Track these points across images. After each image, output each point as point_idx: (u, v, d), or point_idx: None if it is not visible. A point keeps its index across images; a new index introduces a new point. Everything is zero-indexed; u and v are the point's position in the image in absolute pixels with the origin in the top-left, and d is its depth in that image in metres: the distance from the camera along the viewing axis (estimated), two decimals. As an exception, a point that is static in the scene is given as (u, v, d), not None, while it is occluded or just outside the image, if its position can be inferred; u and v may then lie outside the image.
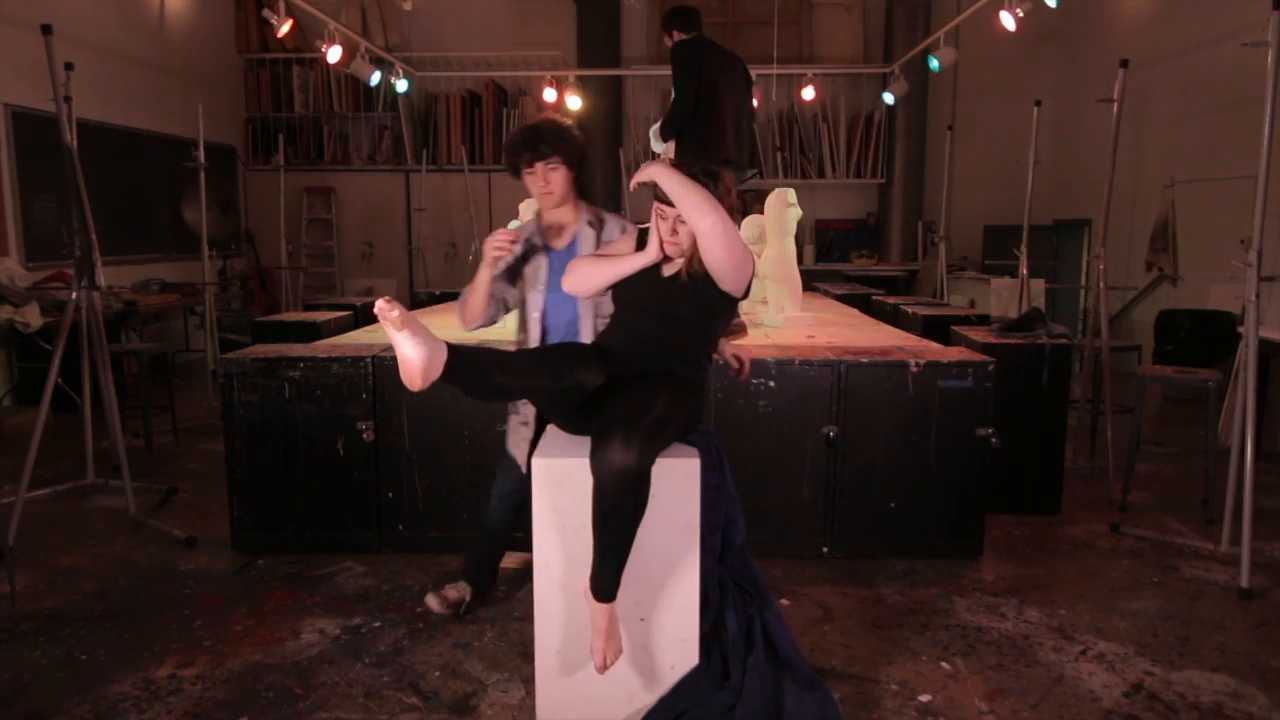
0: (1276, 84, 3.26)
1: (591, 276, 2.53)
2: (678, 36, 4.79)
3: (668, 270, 2.47)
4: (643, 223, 2.61)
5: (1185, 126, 7.06)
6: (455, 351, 2.08)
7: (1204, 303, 6.66)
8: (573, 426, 2.45)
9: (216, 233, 7.59)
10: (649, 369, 2.37)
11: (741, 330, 4.20)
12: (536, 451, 2.38)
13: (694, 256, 2.38)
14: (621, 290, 2.52)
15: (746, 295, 2.50)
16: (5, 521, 3.41)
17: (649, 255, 2.44)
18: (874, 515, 3.57)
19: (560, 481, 2.31)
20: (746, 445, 3.46)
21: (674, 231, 2.38)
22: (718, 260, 2.33)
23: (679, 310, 2.42)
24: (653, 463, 2.15)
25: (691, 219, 2.29)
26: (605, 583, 2.18)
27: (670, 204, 2.34)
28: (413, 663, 2.77)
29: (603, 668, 2.23)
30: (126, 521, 3.97)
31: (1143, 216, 7.40)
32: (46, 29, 3.72)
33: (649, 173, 2.35)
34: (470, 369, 2.15)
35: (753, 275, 2.47)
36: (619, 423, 2.12)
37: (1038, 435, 4.04)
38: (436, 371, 2.00)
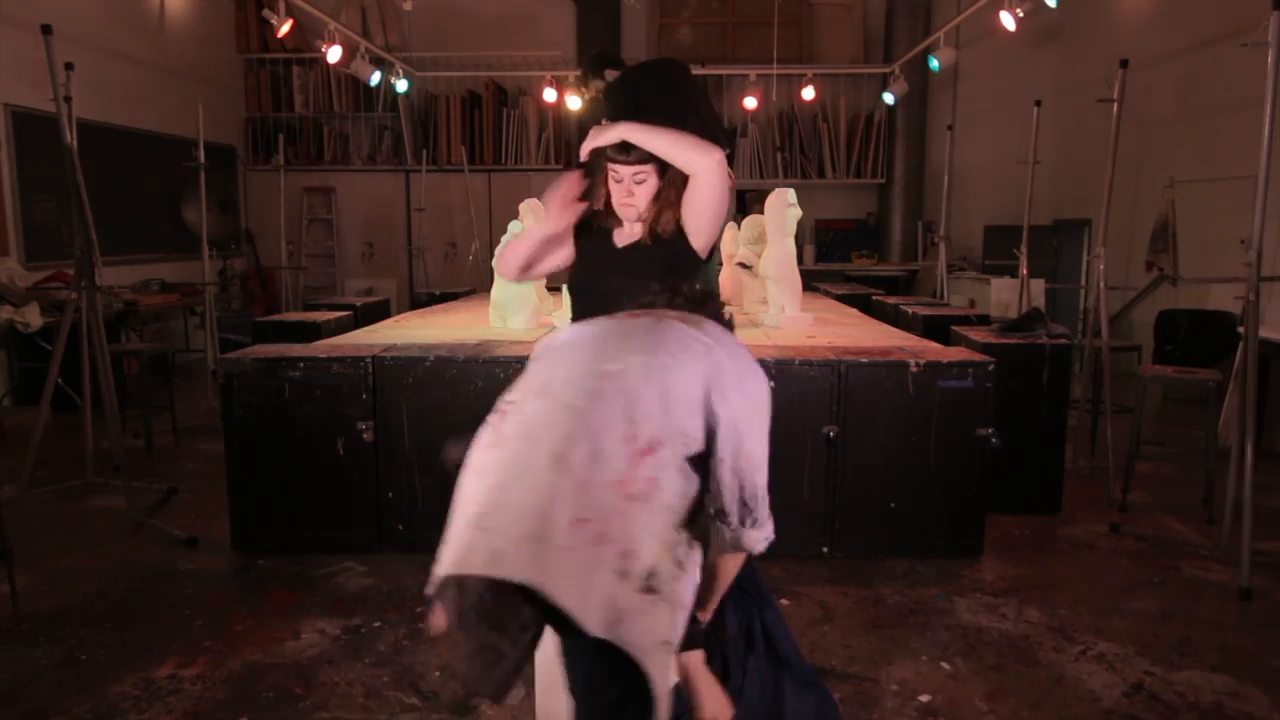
0: (1276, 84, 3.26)
1: (510, 255, 2.35)
2: (610, 76, 4.81)
3: (621, 240, 2.33)
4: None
5: (1185, 126, 7.06)
6: None
7: (1204, 303, 6.66)
8: None
9: (216, 233, 7.59)
10: None
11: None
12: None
13: (657, 217, 2.26)
14: (575, 275, 2.37)
15: (710, 257, 2.35)
16: (5, 521, 3.41)
17: (550, 222, 2.23)
18: (874, 515, 3.57)
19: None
20: (746, 445, 3.46)
21: (629, 193, 2.24)
22: (711, 203, 2.21)
23: (643, 282, 2.19)
24: None
25: (692, 160, 2.17)
26: None
27: (627, 162, 2.20)
28: (413, 663, 2.77)
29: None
30: (126, 521, 3.97)
31: (1143, 216, 7.40)
32: (46, 29, 3.72)
33: (616, 132, 2.18)
34: None
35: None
36: None
37: (1038, 435, 4.04)
38: None
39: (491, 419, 1.56)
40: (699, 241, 2.29)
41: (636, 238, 2.30)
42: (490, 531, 1.36)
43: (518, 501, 1.38)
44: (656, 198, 2.26)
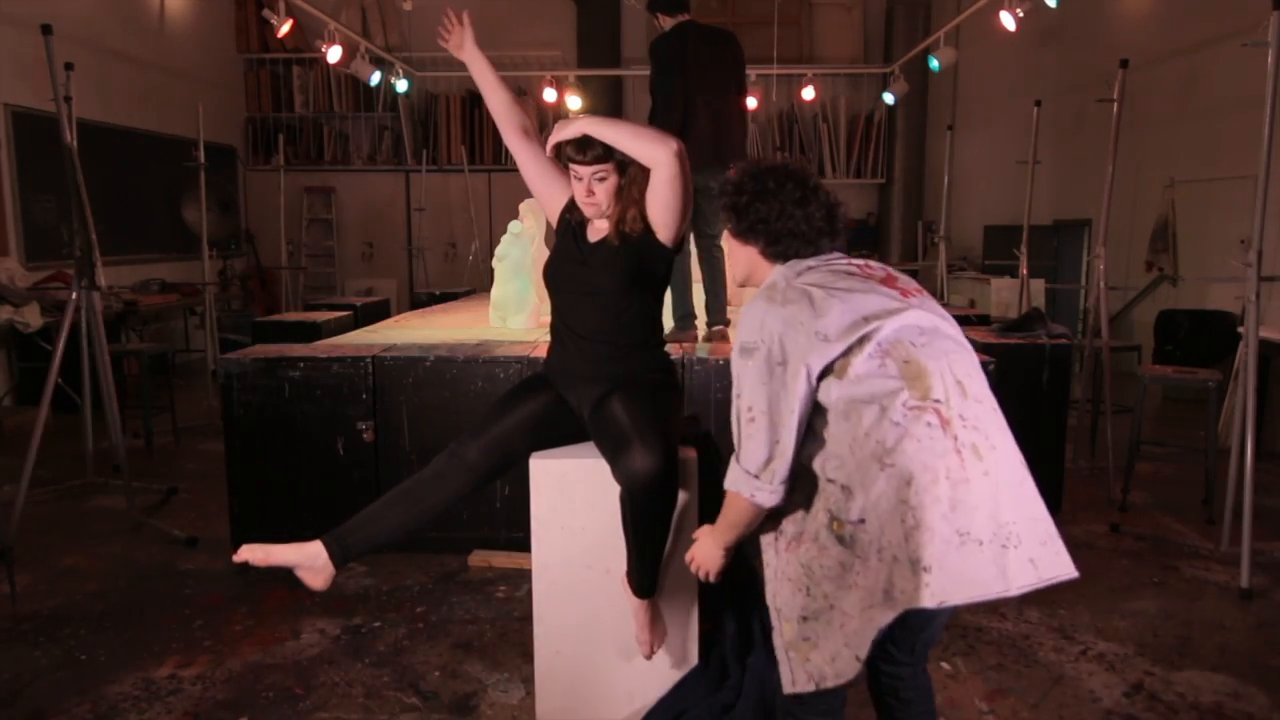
0: (1276, 84, 3.26)
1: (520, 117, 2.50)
2: (664, 22, 4.57)
3: (593, 235, 2.34)
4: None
5: (1185, 126, 7.06)
6: (333, 540, 2.19)
7: (1204, 303, 6.66)
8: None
9: (216, 233, 7.58)
10: (613, 384, 2.26)
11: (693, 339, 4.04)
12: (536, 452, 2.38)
13: (623, 215, 2.27)
14: (550, 265, 2.41)
15: (679, 248, 2.36)
16: (5, 521, 3.41)
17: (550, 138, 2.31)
18: (874, 515, 3.56)
19: (560, 482, 2.31)
20: (746, 445, 3.45)
21: (590, 192, 2.26)
22: (672, 195, 2.21)
23: (609, 281, 2.28)
24: (676, 457, 2.15)
25: (651, 151, 2.17)
26: (647, 580, 2.23)
27: (585, 161, 2.22)
28: (413, 663, 2.77)
29: (650, 655, 2.29)
30: (126, 521, 3.97)
31: (1143, 216, 7.40)
32: (46, 29, 3.71)
33: (577, 126, 2.21)
34: (367, 533, 2.22)
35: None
36: (630, 433, 2.11)
37: (1038, 435, 4.03)
38: (327, 569, 2.17)
39: (930, 418, 1.57)
40: (665, 235, 2.31)
41: (605, 233, 2.32)
42: (1021, 546, 1.53)
43: (1026, 511, 1.56)
44: (619, 195, 2.28)
